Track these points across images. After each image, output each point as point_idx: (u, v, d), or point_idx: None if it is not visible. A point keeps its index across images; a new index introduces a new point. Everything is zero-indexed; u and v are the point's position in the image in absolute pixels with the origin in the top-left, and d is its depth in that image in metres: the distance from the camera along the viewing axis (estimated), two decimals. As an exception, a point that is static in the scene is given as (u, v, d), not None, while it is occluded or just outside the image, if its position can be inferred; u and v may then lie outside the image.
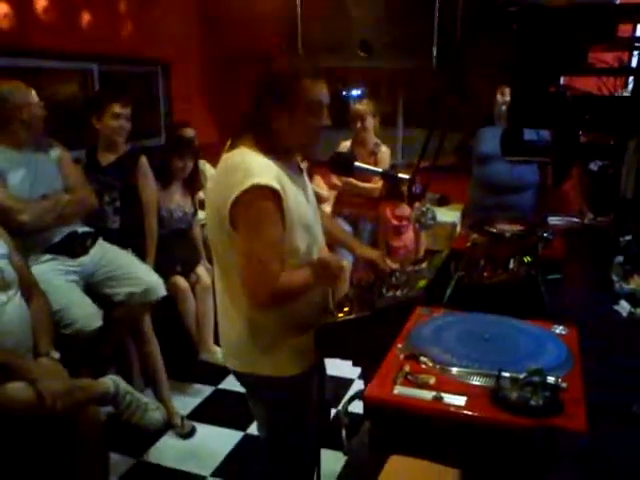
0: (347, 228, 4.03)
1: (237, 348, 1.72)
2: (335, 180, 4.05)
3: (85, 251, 2.91)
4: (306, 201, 1.72)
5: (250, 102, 1.64)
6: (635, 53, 2.18)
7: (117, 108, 3.14)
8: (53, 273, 2.72)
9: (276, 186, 1.52)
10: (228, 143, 1.70)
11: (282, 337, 1.67)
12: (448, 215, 4.48)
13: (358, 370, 3.07)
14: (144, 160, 3.29)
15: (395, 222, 4.03)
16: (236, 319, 1.67)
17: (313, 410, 1.84)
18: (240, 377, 1.78)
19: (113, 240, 3.13)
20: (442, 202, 4.98)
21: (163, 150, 3.60)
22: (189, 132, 3.93)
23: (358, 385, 3.36)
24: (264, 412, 1.82)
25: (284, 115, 1.60)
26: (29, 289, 2.38)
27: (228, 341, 1.77)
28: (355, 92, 5.27)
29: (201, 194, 3.68)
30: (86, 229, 2.97)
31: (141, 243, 3.29)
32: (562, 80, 2.44)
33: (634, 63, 2.21)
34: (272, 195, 1.51)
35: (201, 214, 3.59)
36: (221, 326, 1.81)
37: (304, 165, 2.02)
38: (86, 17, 3.84)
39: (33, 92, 2.73)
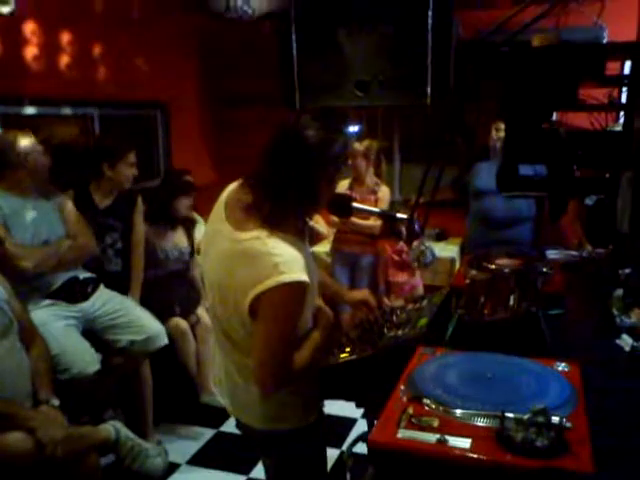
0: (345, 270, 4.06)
1: (248, 405, 1.66)
2: (334, 218, 4.07)
3: (86, 297, 2.92)
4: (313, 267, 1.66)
5: (285, 179, 1.48)
6: (624, 89, 2.22)
7: (132, 157, 3.23)
8: (51, 318, 2.72)
9: (306, 279, 1.44)
10: (230, 194, 1.60)
11: (293, 393, 1.62)
12: (447, 250, 4.50)
13: (361, 410, 3.03)
14: (140, 201, 3.37)
15: (396, 257, 4.03)
16: (243, 380, 1.62)
17: (323, 454, 1.82)
18: (251, 432, 1.71)
19: (115, 283, 3.15)
20: (440, 237, 5.05)
21: (160, 192, 3.62)
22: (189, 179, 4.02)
23: (361, 424, 3.32)
24: (277, 464, 1.77)
25: (328, 189, 1.57)
26: (28, 335, 2.37)
27: (238, 399, 1.70)
28: (352, 129, 5.33)
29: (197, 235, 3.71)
30: (88, 275, 2.99)
31: (142, 285, 3.32)
32: (555, 116, 2.49)
33: (624, 99, 2.25)
34: (301, 289, 1.45)
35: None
36: (227, 385, 1.71)
37: None
38: (85, 63, 3.92)
39: (35, 142, 2.77)
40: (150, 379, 3.14)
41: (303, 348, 1.56)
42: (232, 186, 1.63)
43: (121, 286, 3.17)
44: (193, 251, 3.66)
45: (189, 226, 3.67)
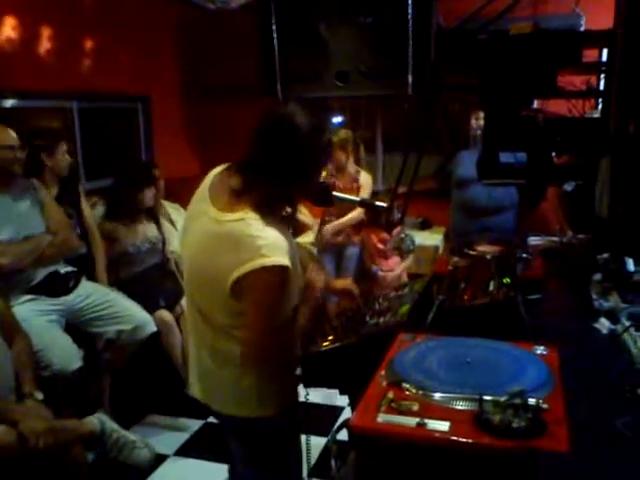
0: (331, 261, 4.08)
1: (219, 391, 1.66)
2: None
3: (67, 291, 2.91)
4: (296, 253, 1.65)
5: (278, 167, 1.50)
6: (601, 76, 2.24)
7: (65, 146, 3.23)
8: (33, 313, 2.70)
9: (288, 264, 1.45)
10: (215, 177, 1.60)
11: (266, 379, 1.62)
12: (430, 238, 4.53)
13: (347, 397, 3.05)
14: (81, 187, 3.43)
15: (381, 246, 4.06)
16: (215, 365, 1.62)
17: (297, 442, 1.81)
18: (222, 418, 1.72)
19: (85, 265, 3.16)
20: (424, 226, 5.08)
21: (123, 186, 3.58)
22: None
23: (348, 412, 3.34)
24: (248, 451, 1.75)
25: (317, 177, 1.62)
26: (11, 330, 2.36)
27: (209, 384, 1.69)
28: (336, 120, 5.33)
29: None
30: (69, 269, 2.97)
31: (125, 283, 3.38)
32: (536, 104, 2.51)
33: (601, 86, 2.27)
34: (283, 273, 1.45)
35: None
36: (199, 369, 1.71)
37: None
38: (65, 55, 3.88)
39: (11, 134, 2.72)
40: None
41: (290, 328, 1.56)
42: (216, 170, 1.63)
43: (90, 268, 3.21)
44: (165, 240, 3.66)
45: (155, 216, 3.66)
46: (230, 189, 1.52)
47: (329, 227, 4.00)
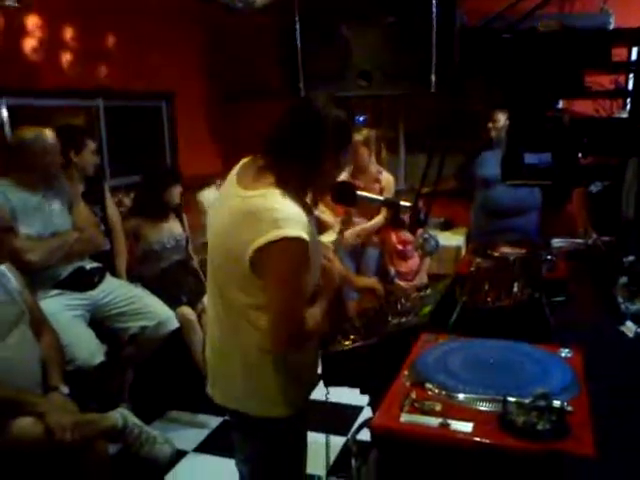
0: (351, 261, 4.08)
1: (229, 380, 1.67)
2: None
3: (92, 286, 2.96)
4: (317, 240, 1.67)
5: (292, 141, 1.55)
6: (630, 76, 2.21)
7: (93, 145, 3.31)
8: (58, 308, 2.75)
9: (305, 237, 1.46)
10: (243, 163, 1.64)
11: (278, 379, 1.61)
12: (452, 239, 4.51)
13: (367, 397, 3.05)
14: (107, 185, 3.52)
15: (400, 247, 4.05)
16: (232, 357, 1.62)
17: (305, 445, 1.79)
18: (234, 415, 1.71)
19: (108, 261, 3.22)
20: (446, 226, 5.07)
21: (150, 184, 3.62)
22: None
23: (367, 412, 3.33)
24: (256, 450, 1.73)
25: (335, 158, 1.60)
26: (39, 325, 2.40)
27: (220, 372, 1.71)
28: (359, 118, 5.32)
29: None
30: (94, 265, 3.03)
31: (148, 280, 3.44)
32: (561, 104, 2.48)
33: (630, 85, 2.23)
34: (302, 246, 1.46)
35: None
36: (212, 355, 1.73)
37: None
38: (90, 54, 3.93)
39: (54, 138, 2.78)
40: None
41: (313, 313, 1.56)
42: (245, 159, 1.67)
43: (113, 265, 3.30)
44: (188, 238, 3.70)
45: (179, 212, 3.70)
46: (256, 169, 1.57)
47: (351, 232, 3.99)
